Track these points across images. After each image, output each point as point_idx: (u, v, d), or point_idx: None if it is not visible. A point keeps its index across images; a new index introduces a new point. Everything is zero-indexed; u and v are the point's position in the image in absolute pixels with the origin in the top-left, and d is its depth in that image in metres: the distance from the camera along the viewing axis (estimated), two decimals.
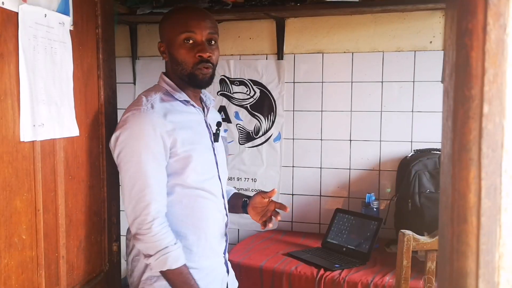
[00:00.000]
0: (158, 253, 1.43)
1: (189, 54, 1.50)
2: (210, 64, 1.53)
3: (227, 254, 1.70)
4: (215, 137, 1.61)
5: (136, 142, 1.44)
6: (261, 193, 1.60)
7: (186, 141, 1.49)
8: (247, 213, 1.67)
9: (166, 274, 1.46)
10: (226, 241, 1.66)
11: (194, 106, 1.58)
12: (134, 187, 1.44)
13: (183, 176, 1.49)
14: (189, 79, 1.53)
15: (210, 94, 1.71)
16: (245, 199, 1.68)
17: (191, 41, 1.50)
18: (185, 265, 1.46)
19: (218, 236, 1.61)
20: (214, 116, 1.71)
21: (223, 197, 1.63)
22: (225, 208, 1.64)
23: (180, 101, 1.55)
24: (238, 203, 1.69)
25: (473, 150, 0.50)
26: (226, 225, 1.65)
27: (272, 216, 1.59)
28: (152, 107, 1.47)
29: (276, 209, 1.60)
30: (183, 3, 2.43)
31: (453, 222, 0.53)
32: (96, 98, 1.57)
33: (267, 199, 1.59)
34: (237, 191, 1.81)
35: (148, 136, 1.43)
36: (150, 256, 1.44)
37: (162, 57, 1.60)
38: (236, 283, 1.75)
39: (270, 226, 1.59)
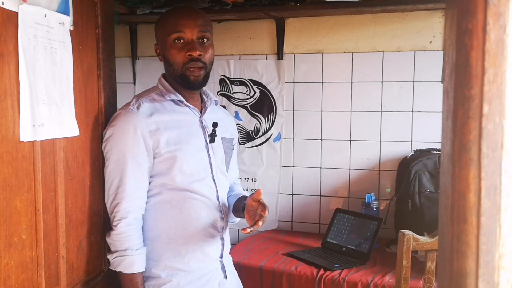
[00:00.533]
0: (116, 252, 1.46)
1: (180, 54, 1.49)
2: (201, 63, 1.50)
3: (228, 258, 1.67)
4: (211, 137, 1.59)
5: (118, 140, 1.48)
6: (251, 196, 1.52)
7: (171, 141, 1.49)
8: None
9: (118, 275, 1.49)
10: (223, 245, 1.62)
11: (188, 106, 1.57)
12: (112, 184, 1.48)
13: (169, 176, 1.49)
14: (181, 80, 1.52)
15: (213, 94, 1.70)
16: (245, 202, 1.59)
17: (181, 41, 1.50)
18: (140, 273, 1.47)
19: (211, 239, 1.57)
20: (218, 117, 1.66)
21: (218, 199, 1.59)
22: (221, 211, 1.60)
23: (172, 101, 1.54)
24: (239, 207, 1.62)
25: (473, 150, 0.50)
26: (223, 228, 1.61)
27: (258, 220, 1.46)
28: (138, 107, 1.49)
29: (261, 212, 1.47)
30: (183, 3, 2.43)
31: (453, 222, 0.53)
32: (96, 98, 1.57)
33: (256, 202, 1.49)
34: (245, 194, 1.71)
35: (128, 135, 1.46)
36: (110, 252, 1.49)
37: (159, 58, 1.60)
38: None
39: (248, 230, 1.44)
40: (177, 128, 1.52)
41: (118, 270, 1.47)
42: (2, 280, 1.13)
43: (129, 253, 1.45)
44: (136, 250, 1.46)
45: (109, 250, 1.51)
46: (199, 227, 1.54)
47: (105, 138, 1.51)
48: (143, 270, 1.48)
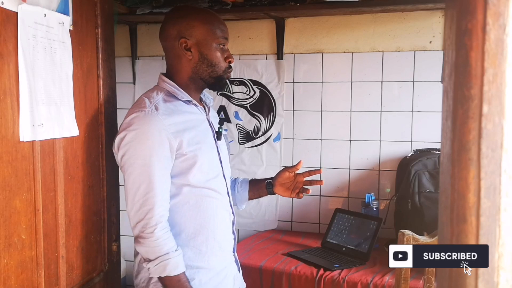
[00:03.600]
0: (158, 258, 1.42)
1: (222, 58, 1.58)
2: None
3: (236, 253, 1.70)
4: (218, 135, 1.62)
5: (141, 145, 1.43)
6: (286, 169, 1.71)
7: (192, 141, 1.49)
8: (272, 194, 1.74)
9: (164, 281, 1.45)
10: (235, 239, 1.67)
11: (196, 106, 1.58)
12: (139, 190, 1.43)
13: (189, 176, 1.49)
14: (216, 81, 1.59)
15: (209, 94, 1.72)
16: (268, 180, 1.74)
17: (222, 47, 1.58)
18: (183, 273, 1.46)
19: (226, 234, 1.62)
20: (214, 115, 1.73)
21: (228, 195, 1.63)
22: (231, 206, 1.65)
23: (182, 101, 1.55)
24: (261, 185, 1.75)
25: (473, 150, 0.50)
26: (233, 223, 1.66)
27: (304, 187, 1.70)
28: (156, 108, 1.46)
29: (308, 178, 1.70)
30: (183, 3, 2.43)
31: (452, 222, 0.53)
32: (96, 98, 1.57)
33: (293, 174, 1.69)
34: (252, 178, 1.84)
35: (153, 138, 1.43)
36: (150, 260, 1.44)
37: (185, 54, 1.53)
38: (244, 284, 1.76)
39: (302, 196, 1.71)
40: (193, 128, 1.53)
41: (164, 275, 1.44)
42: (2, 280, 1.13)
43: (171, 255, 1.43)
44: (176, 251, 1.45)
45: (145, 260, 1.45)
46: (217, 223, 1.57)
47: (124, 143, 1.44)
48: (184, 269, 1.47)
